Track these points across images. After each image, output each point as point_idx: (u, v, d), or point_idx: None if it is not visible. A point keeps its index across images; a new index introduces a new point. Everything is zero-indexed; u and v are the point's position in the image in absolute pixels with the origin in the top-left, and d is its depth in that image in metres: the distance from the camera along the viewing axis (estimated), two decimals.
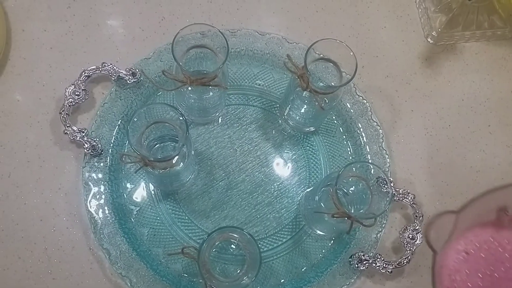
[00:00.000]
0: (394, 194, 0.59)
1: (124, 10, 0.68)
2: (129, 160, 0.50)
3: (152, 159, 0.49)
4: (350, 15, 0.71)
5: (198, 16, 0.68)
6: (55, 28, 0.66)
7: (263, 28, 0.68)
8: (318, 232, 0.60)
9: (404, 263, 0.57)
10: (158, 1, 0.68)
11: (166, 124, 0.52)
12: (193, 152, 0.55)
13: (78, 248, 0.58)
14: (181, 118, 0.50)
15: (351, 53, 0.51)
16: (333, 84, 0.56)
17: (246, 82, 0.65)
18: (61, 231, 0.58)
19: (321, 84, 0.52)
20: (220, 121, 0.63)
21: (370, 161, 0.62)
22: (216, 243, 0.55)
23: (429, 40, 0.70)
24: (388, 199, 0.48)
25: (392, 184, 0.60)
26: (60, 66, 0.64)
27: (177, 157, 0.51)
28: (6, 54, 0.63)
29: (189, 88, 0.55)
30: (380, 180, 0.52)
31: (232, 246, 0.57)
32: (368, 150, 0.63)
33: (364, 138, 0.63)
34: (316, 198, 0.55)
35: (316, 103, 0.54)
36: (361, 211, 0.52)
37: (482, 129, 0.67)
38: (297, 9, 0.70)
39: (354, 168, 0.51)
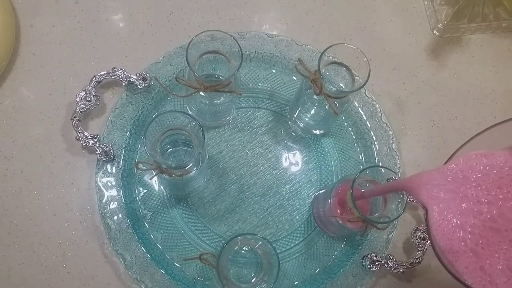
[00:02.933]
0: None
1: (132, 5, 0.68)
2: (145, 168, 0.51)
3: (168, 167, 0.49)
4: (356, 8, 0.71)
5: (206, 11, 0.68)
6: (64, 24, 0.66)
7: (270, 21, 0.69)
8: (330, 233, 0.60)
9: (416, 263, 0.58)
10: None
11: (181, 130, 0.52)
12: (207, 156, 0.55)
13: (91, 242, 0.58)
14: (193, 124, 0.50)
15: (365, 59, 0.51)
16: (343, 87, 0.56)
17: (255, 85, 0.65)
18: (75, 225, 0.58)
19: (333, 88, 0.52)
20: (230, 124, 0.63)
21: (380, 162, 0.62)
22: (235, 248, 0.55)
23: (435, 32, 0.71)
24: (402, 203, 0.49)
25: None
26: (70, 62, 0.64)
27: (192, 163, 0.51)
28: (16, 50, 0.64)
29: (201, 93, 0.55)
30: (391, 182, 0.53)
31: (244, 248, 0.57)
32: (378, 151, 0.63)
33: (374, 139, 0.63)
34: (330, 201, 0.55)
35: (327, 107, 0.54)
36: (376, 214, 0.52)
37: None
38: (304, 3, 0.70)
39: (367, 172, 0.52)
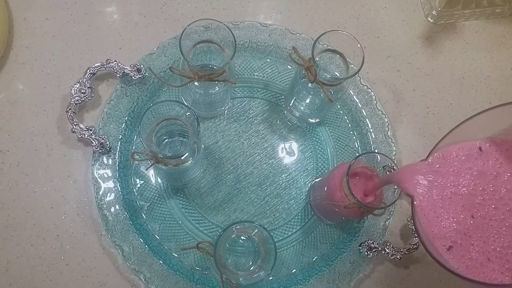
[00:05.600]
0: None
1: None
2: (141, 158, 0.51)
3: (164, 156, 0.49)
4: None
5: (199, 1, 0.68)
6: (57, 16, 0.66)
7: (264, 11, 0.69)
8: (328, 221, 0.60)
9: (412, 249, 0.58)
10: None
11: (177, 121, 0.52)
12: (203, 146, 0.56)
13: (89, 234, 0.58)
14: (188, 114, 0.50)
15: (358, 45, 0.51)
16: (338, 75, 0.56)
17: (250, 75, 0.65)
18: (72, 217, 0.58)
19: (328, 75, 0.52)
20: (226, 114, 0.63)
21: (376, 150, 0.63)
22: (232, 236, 0.55)
23: (429, 19, 0.71)
24: (398, 189, 0.49)
25: None
26: (64, 54, 0.64)
27: (187, 153, 0.51)
28: (9, 44, 0.63)
29: (196, 83, 0.55)
30: (387, 169, 0.53)
31: (242, 237, 0.58)
32: (374, 139, 0.63)
33: (370, 127, 0.63)
34: (326, 188, 0.55)
35: (322, 95, 0.54)
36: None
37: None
38: None
39: (362, 158, 0.52)
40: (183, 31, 0.50)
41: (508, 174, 0.38)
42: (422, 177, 0.40)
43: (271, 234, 0.58)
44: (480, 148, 0.40)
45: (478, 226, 0.37)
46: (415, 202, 0.39)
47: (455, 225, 0.38)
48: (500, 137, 0.40)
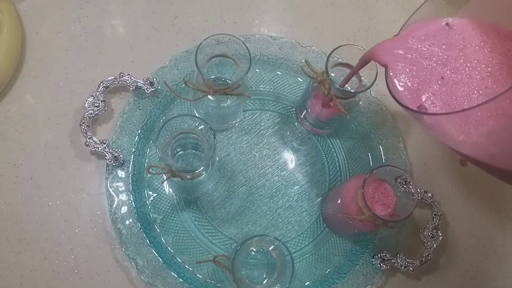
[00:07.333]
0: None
1: (136, 10, 0.68)
2: (156, 172, 0.51)
3: (179, 170, 0.50)
4: (359, 9, 0.72)
5: (209, 14, 0.69)
6: (69, 30, 0.66)
7: (274, 24, 0.69)
8: (340, 233, 0.61)
9: (425, 261, 0.58)
10: (170, 0, 0.69)
11: (192, 134, 0.52)
12: (217, 159, 0.56)
13: (103, 247, 0.58)
14: (202, 128, 0.50)
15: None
16: (349, 88, 0.57)
17: (261, 87, 0.66)
18: (86, 231, 0.58)
19: (341, 88, 0.53)
20: (237, 127, 0.64)
21: (387, 161, 0.63)
22: (251, 249, 0.55)
23: None
24: (413, 202, 0.49)
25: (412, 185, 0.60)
26: (76, 68, 0.64)
27: (203, 166, 0.51)
28: (22, 57, 0.64)
29: (209, 97, 0.55)
30: (399, 181, 0.53)
31: (254, 249, 0.58)
32: (385, 150, 0.63)
33: (381, 138, 0.64)
34: (339, 201, 0.56)
35: (336, 107, 0.54)
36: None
37: None
38: (306, 4, 0.71)
39: (376, 172, 0.52)
40: (199, 45, 0.50)
41: (476, 47, 0.41)
42: (395, 46, 0.45)
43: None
44: (447, 24, 0.44)
45: (448, 84, 0.41)
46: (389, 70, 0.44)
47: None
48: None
